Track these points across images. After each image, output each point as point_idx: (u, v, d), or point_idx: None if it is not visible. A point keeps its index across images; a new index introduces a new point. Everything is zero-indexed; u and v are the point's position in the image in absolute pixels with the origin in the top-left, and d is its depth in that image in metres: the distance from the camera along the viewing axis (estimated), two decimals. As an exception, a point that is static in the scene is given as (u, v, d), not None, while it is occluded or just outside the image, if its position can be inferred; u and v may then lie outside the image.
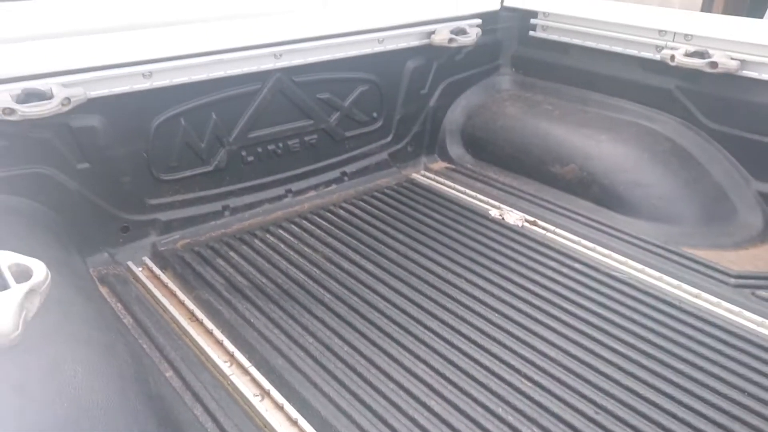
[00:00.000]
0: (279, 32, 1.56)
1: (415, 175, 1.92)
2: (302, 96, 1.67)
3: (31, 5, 1.29)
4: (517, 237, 1.55)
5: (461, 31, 1.85)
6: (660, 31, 1.66)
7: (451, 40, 1.82)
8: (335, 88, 1.73)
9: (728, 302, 1.31)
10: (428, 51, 1.87)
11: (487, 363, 1.14)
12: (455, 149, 2.00)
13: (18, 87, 1.20)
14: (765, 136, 1.53)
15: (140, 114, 1.42)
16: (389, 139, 1.91)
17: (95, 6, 1.37)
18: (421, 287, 1.35)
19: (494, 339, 1.20)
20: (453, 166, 1.97)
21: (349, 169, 1.84)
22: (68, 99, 1.23)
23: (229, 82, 1.52)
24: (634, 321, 1.26)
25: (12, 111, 1.18)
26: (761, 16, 3.02)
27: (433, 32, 1.83)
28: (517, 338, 1.20)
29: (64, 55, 1.26)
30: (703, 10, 6.56)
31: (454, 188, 1.82)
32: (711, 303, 1.32)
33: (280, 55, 1.57)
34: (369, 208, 1.70)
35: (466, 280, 1.38)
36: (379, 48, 1.76)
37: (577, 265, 1.43)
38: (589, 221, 1.61)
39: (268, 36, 1.54)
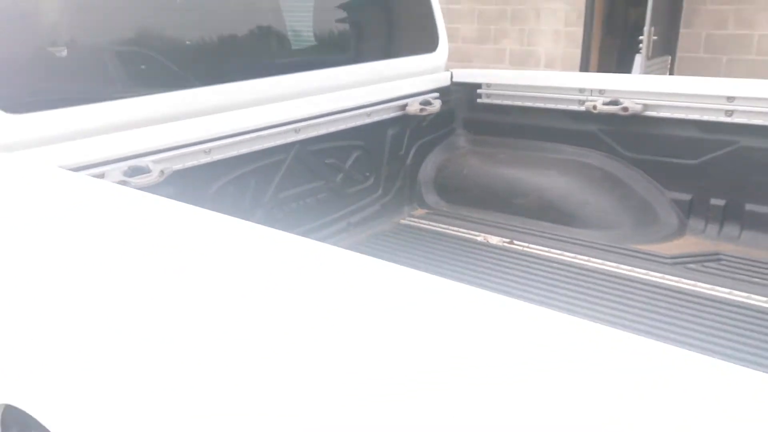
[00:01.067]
0: (298, 112, 1.95)
1: (403, 221, 2.32)
2: (315, 162, 2.05)
3: (123, 103, 1.61)
4: (503, 253, 1.98)
5: (427, 102, 2.33)
6: (580, 89, 2.20)
7: (422, 110, 2.28)
8: (338, 154, 2.13)
9: (670, 275, 1.79)
10: (402, 120, 2.32)
11: None
12: (431, 197, 2.43)
13: (125, 165, 1.51)
14: (668, 158, 2.07)
15: (202, 183, 1.75)
16: (379, 193, 2.32)
17: (168, 100, 1.70)
18: None
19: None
20: (431, 211, 2.40)
21: (353, 219, 2.22)
22: (162, 172, 1.55)
23: (264, 154, 1.88)
24: (605, 293, 1.70)
25: (125, 182, 1.48)
26: (629, 72, 3.71)
27: (406, 105, 2.29)
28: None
29: (153, 138, 1.59)
30: (581, 69, 7.59)
31: (438, 227, 2.24)
32: (657, 277, 1.79)
33: (299, 130, 1.96)
34: (374, 250, 2.08)
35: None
36: (367, 120, 2.18)
37: (552, 265, 1.88)
38: (553, 235, 2.07)
39: (291, 115, 1.93)
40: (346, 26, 2.18)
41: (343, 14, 2.18)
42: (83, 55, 1.53)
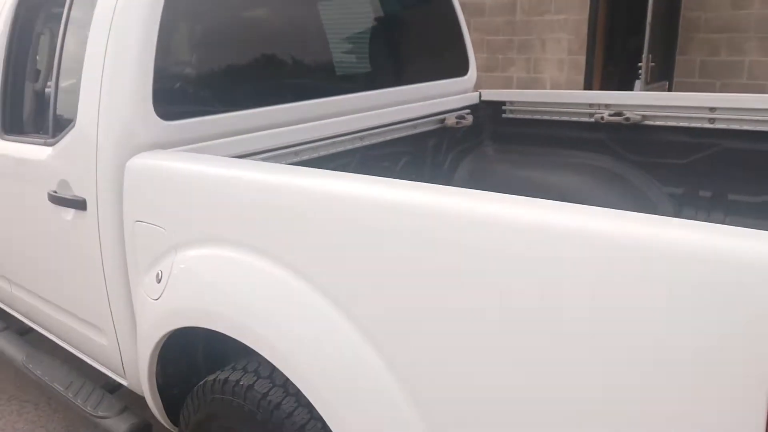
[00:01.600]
0: (362, 124, 2.41)
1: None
2: (373, 164, 2.50)
3: (239, 114, 2.06)
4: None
5: (461, 117, 2.79)
6: (590, 104, 2.66)
7: (458, 123, 2.74)
8: (391, 159, 2.58)
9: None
10: (441, 132, 2.77)
11: None
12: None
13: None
14: (663, 159, 2.51)
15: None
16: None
17: (271, 112, 2.15)
18: None
19: None
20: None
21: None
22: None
23: (337, 156, 2.33)
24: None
25: (245, 174, 1.92)
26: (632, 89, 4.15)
27: (444, 119, 2.75)
28: None
29: (259, 142, 2.03)
30: (585, 88, 8.07)
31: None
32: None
33: (363, 138, 2.41)
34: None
35: None
36: (413, 131, 2.64)
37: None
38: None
39: (356, 126, 2.38)
40: (397, 55, 2.66)
41: (395, 47, 2.66)
42: (215, 80, 1.99)
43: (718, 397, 0.87)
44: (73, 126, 1.94)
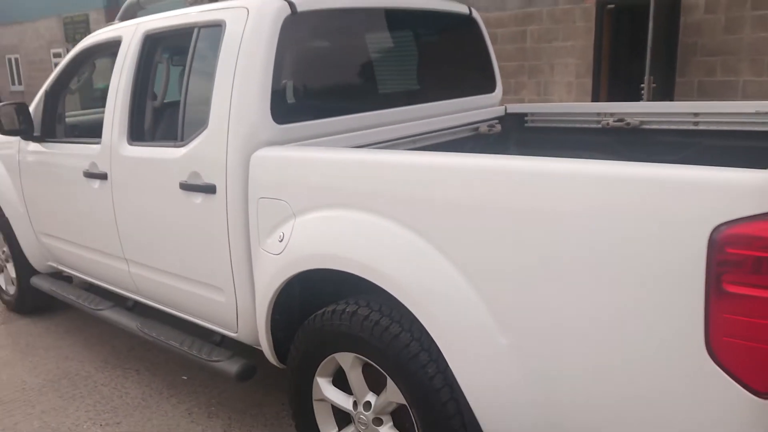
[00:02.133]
0: (417, 129, 3.00)
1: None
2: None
3: (336, 119, 2.66)
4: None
5: (492, 126, 3.39)
6: (597, 113, 3.25)
7: (489, 130, 3.34)
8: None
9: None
10: (475, 138, 3.37)
11: None
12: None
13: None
14: (658, 156, 3.09)
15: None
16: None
17: (360, 118, 2.74)
18: None
19: None
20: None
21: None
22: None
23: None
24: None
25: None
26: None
27: (478, 127, 3.35)
28: None
29: (351, 141, 2.63)
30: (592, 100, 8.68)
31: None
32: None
33: (416, 141, 3.01)
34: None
35: None
36: (455, 137, 3.24)
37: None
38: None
39: (412, 131, 2.97)
40: (443, 76, 3.28)
41: (441, 69, 3.28)
42: (313, 95, 2.61)
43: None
44: (204, 131, 2.55)
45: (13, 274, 4.32)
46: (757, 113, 2.76)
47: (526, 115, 3.52)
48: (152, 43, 2.99)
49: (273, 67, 2.41)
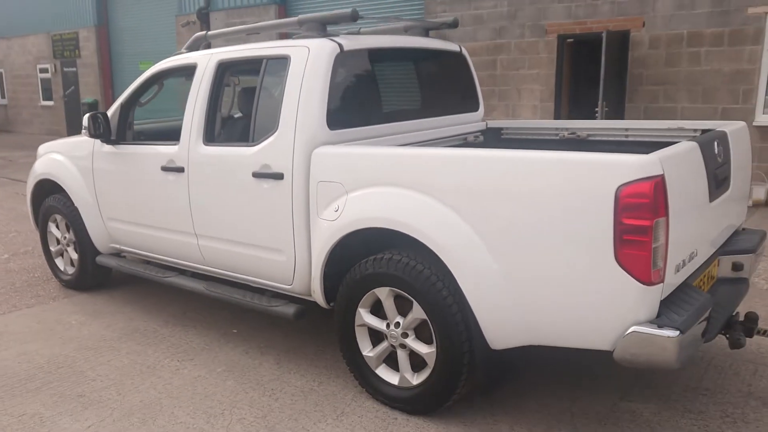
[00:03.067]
0: (423, 137, 4.00)
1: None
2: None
3: (377, 126, 3.63)
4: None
5: (477, 137, 4.42)
6: (556, 129, 4.30)
7: (476, 139, 4.37)
8: (435, 161, 4.18)
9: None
10: (465, 145, 4.38)
11: None
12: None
13: (367, 153, 3.54)
14: (601, 161, 4.14)
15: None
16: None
17: (395, 127, 3.73)
18: None
19: None
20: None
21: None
22: (379, 157, 3.58)
23: (408, 156, 3.93)
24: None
25: (370, 160, 3.50)
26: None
27: (466, 138, 4.37)
28: None
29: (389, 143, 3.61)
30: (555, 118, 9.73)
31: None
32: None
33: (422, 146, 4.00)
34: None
35: None
36: (449, 144, 4.24)
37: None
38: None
39: (420, 138, 3.98)
40: (442, 98, 4.31)
41: (441, 93, 4.31)
42: (355, 109, 3.60)
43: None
44: (274, 134, 3.51)
45: (74, 256, 5.16)
46: (668, 129, 3.84)
47: (502, 129, 4.57)
48: (223, 69, 3.95)
49: (328, 90, 3.40)
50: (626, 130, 4.03)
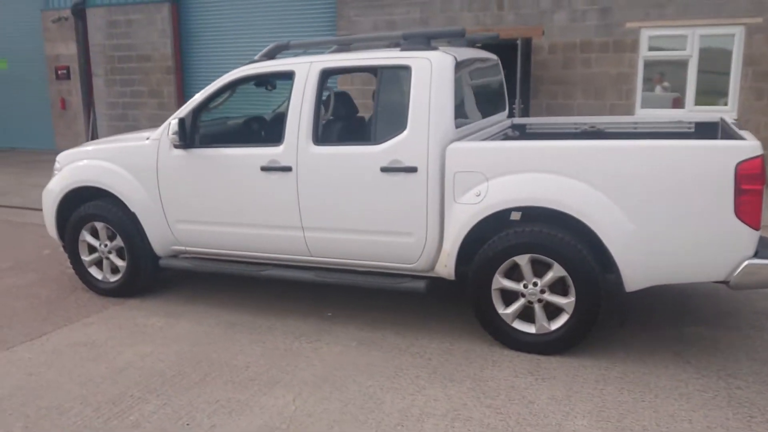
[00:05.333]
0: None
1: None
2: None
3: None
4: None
5: (514, 131, 5.27)
6: (575, 123, 5.31)
7: (513, 133, 5.22)
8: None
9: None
10: (511, 138, 5.22)
11: None
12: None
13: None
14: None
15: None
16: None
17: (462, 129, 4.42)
18: None
19: None
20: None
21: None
22: (483, 151, 4.29)
23: (484, 149, 4.68)
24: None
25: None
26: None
27: (506, 133, 5.20)
28: None
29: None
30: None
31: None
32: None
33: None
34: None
35: None
36: (499, 137, 5.06)
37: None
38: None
39: (495, 131, 4.74)
40: (492, 100, 5.10)
41: (491, 96, 5.09)
42: (464, 111, 4.27)
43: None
44: (403, 133, 4.07)
45: (120, 263, 5.15)
46: (670, 122, 5.02)
47: (526, 125, 5.48)
48: (326, 76, 4.38)
49: (453, 96, 4.05)
50: (635, 123, 5.15)
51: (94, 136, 13.82)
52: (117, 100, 13.66)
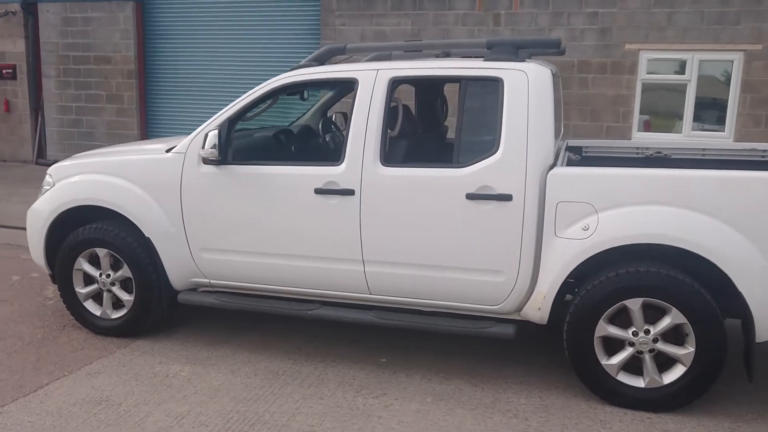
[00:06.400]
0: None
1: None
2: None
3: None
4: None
5: (578, 155, 4.81)
6: (637, 147, 4.89)
7: (575, 156, 4.76)
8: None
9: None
10: (575, 161, 4.75)
11: None
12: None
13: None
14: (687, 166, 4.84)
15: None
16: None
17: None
18: None
19: None
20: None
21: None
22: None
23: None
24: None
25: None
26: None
27: (567, 156, 4.74)
28: None
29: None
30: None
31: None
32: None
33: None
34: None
35: None
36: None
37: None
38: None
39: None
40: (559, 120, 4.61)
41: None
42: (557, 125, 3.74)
43: None
44: (494, 155, 3.51)
45: (125, 297, 4.35)
46: (742, 150, 4.68)
47: (582, 147, 5.03)
48: (396, 86, 3.78)
49: (554, 112, 3.54)
50: (703, 150, 4.78)
51: (41, 142, 12.60)
52: (70, 105, 12.48)
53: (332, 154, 4.70)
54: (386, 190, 3.71)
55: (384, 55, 4.39)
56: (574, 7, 9.75)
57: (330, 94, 5.21)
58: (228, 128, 4.00)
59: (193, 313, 4.82)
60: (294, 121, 5.36)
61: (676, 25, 9.29)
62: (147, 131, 12.39)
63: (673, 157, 4.82)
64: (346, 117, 5.19)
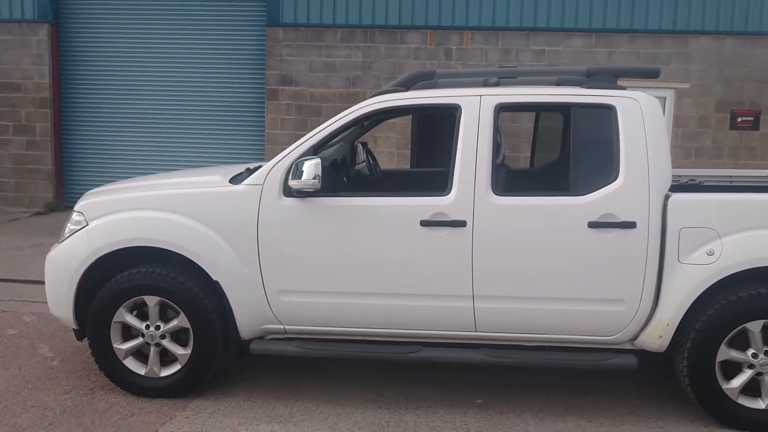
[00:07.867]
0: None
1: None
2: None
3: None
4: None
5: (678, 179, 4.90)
6: (677, 176, 5.09)
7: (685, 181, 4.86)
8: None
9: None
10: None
11: None
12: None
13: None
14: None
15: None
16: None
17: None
18: None
19: None
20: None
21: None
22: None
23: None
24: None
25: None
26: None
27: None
28: None
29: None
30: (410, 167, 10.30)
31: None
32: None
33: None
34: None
35: None
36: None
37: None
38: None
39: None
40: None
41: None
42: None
43: None
44: (615, 182, 3.47)
45: (180, 351, 3.78)
46: (765, 176, 5.01)
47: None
48: (501, 112, 3.66)
49: (668, 139, 3.57)
50: (730, 177, 5.07)
51: (-69, 178, 10.97)
52: (-32, 136, 11.03)
53: (387, 184, 4.45)
54: (501, 220, 3.53)
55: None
56: (522, 44, 10.17)
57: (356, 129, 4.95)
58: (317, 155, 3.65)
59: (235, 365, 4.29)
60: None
61: (615, 63, 9.94)
62: (62, 166, 11.22)
63: (704, 184, 5.04)
64: (365, 147, 4.97)
